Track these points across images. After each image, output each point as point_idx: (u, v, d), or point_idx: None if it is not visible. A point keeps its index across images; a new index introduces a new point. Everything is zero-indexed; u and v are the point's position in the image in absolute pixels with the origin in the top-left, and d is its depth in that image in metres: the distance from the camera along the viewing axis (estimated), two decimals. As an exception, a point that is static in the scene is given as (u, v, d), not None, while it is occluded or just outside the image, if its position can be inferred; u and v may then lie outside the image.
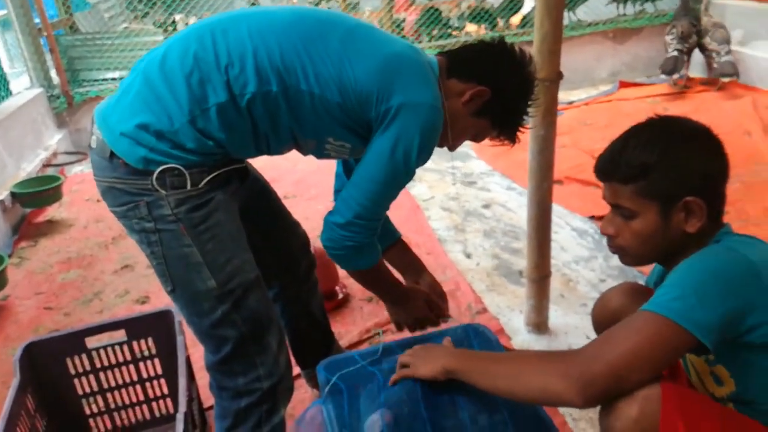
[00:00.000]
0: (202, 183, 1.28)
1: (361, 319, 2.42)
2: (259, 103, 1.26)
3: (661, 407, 1.00)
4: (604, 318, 1.39)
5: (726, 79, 4.76)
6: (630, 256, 1.23)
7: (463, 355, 1.28)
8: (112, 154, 1.26)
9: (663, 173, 1.12)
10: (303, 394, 2.01)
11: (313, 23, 1.32)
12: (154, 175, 1.24)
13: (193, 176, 1.26)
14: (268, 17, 1.32)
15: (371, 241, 1.40)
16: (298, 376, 2.08)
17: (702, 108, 4.53)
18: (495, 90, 1.38)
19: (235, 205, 1.39)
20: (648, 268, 1.43)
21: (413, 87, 1.29)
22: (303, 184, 3.80)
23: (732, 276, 1.03)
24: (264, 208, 1.66)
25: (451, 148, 1.51)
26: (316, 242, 2.17)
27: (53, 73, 4.71)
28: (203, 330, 1.36)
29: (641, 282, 1.48)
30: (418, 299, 1.64)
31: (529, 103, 1.44)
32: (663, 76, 4.99)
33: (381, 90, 1.27)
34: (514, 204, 3.35)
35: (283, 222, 1.73)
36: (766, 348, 1.04)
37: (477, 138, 1.49)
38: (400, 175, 1.32)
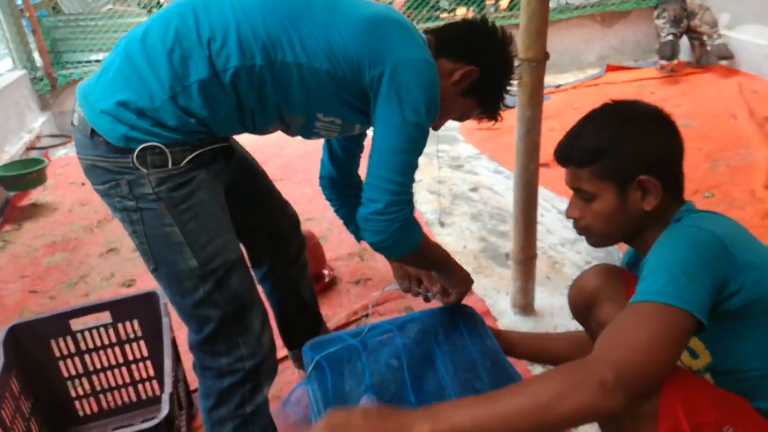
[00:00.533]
0: (184, 162, 1.26)
1: (348, 302, 2.43)
2: (244, 78, 1.24)
3: (660, 388, 1.01)
4: (580, 300, 1.40)
5: (724, 62, 4.77)
6: (594, 237, 1.28)
7: (440, 413, 0.99)
8: (93, 132, 1.25)
9: (615, 155, 1.17)
10: (290, 376, 2.02)
11: None
12: (135, 153, 1.22)
13: (174, 155, 1.25)
14: None
15: (413, 216, 1.34)
16: (285, 357, 2.08)
17: (689, 92, 4.55)
18: (483, 70, 1.38)
19: (218, 184, 1.37)
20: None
21: (404, 45, 1.26)
22: (290, 168, 3.78)
23: (707, 251, 1.05)
24: (252, 187, 1.64)
25: (436, 128, 1.49)
26: (305, 225, 2.18)
27: (36, 55, 4.64)
28: (186, 309, 1.35)
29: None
30: (462, 272, 1.57)
31: (511, 82, 1.45)
32: (653, 60, 5.00)
33: (372, 52, 1.24)
34: (501, 187, 3.35)
35: (273, 201, 1.72)
36: (740, 314, 1.06)
37: (462, 117, 1.49)
38: (416, 135, 1.28)
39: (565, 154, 1.23)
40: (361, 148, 1.67)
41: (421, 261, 1.50)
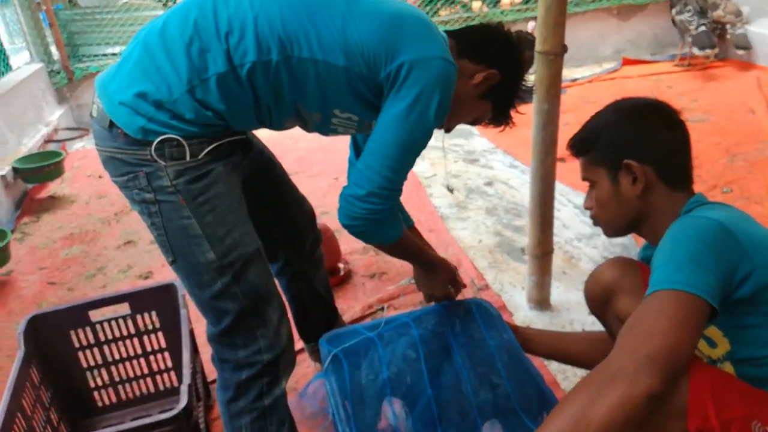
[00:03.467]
0: (202, 154, 1.26)
1: (363, 295, 2.43)
2: (260, 73, 1.24)
3: (689, 384, 1.01)
4: (597, 293, 1.40)
5: (741, 52, 4.71)
6: (601, 225, 1.33)
7: None
8: (112, 124, 1.25)
9: (605, 140, 1.25)
10: (306, 369, 2.03)
11: None
12: (153, 146, 1.23)
13: (192, 147, 1.25)
14: None
15: (393, 213, 1.37)
16: (301, 350, 2.09)
17: (706, 86, 4.50)
18: (504, 75, 1.39)
19: (236, 177, 1.38)
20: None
21: (422, 42, 1.26)
22: (305, 161, 3.78)
23: (713, 239, 1.06)
24: (269, 181, 1.65)
25: (448, 130, 1.50)
26: (320, 218, 2.17)
27: (53, 48, 4.67)
28: (204, 302, 1.36)
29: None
30: (443, 274, 1.62)
31: (523, 88, 1.47)
32: (671, 54, 4.94)
33: (389, 47, 1.24)
34: (517, 182, 3.34)
35: (290, 196, 1.72)
36: (753, 300, 1.07)
37: (476, 121, 1.49)
38: (418, 135, 1.28)
39: (571, 146, 1.32)
40: None
41: (394, 255, 1.55)
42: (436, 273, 1.60)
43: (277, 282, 1.83)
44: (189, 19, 1.24)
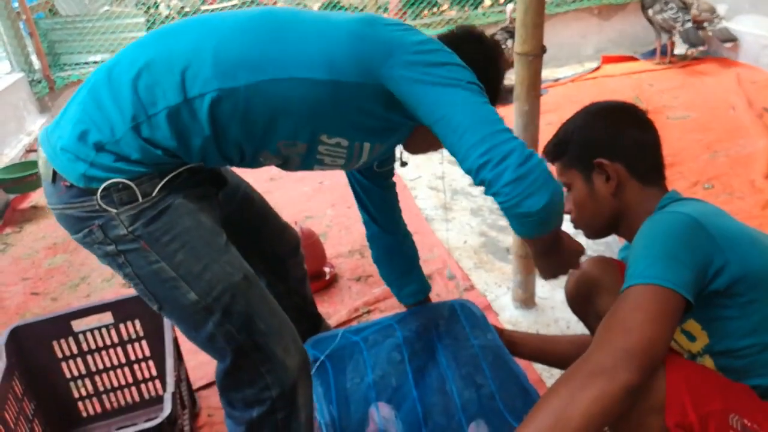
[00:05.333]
0: (155, 191, 1.15)
1: (349, 299, 2.43)
2: (226, 103, 1.13)
3: (666, 380, 1.02)
4: (577, 293, 1.41)
5: (728, 45, 4.76)
6: (582, 227, 1.35)
7: None
8: (55, 175, 1.15)
9: (575, 142, 1.28)
10: (292, 374, 2.02)
11: (281, 12, 1.23)
12: (98, 194, 1.12)
13: (142, 187, 1.14)
14: (230, 16, 1.21)
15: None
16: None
17: (687, 83, 4.54)
18: (484, 82, 1.26)
19: (203, 204, 1.25)
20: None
21: (406, 33, 1.19)
22: (289, 165, 3.77)
23: (686, 233, 1.08)
24: (247, 218, 1.57)
25: (435, 149, 1.43)
26: (304, 223, 2.17)
27: (34, 58, 4.63)
28: (202, 343, 1.25)
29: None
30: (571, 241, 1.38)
31: (503, 91, 1.42)
32: (651, 51, 4.98)
33: (377, 47, 1.15)
34: (501, 182, 3.34)
35: (270, 229, 1.65)
36: (729, 292, 1.08)
37: None
38: (475, 88, 1.15)
39: (545, 152, 1.35)
40: (394, 196, 1.66)
41: (555, 224, 1.19)
42: (561, 254, 1.33)
43: None
44: (140, 56, 1.16)
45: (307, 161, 1.29)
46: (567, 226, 1.30)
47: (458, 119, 1.10)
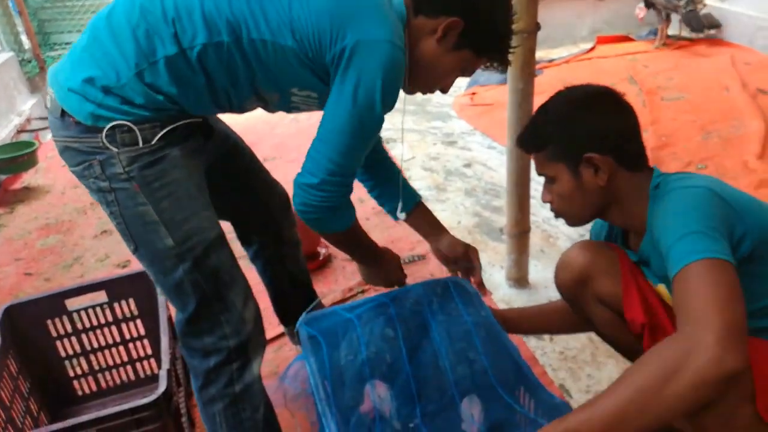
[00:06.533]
0: (155, 139, 1.23)
1: (343, 279, 2.44)
2: (212, 55, 1.21)
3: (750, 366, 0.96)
4: (570, 279, 1.40)
5: (713, 31, 4.76)
6: (567, 218, 1.33)
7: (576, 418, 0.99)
8: (63, 112, 1.23)
9: (562, 137, 1.24)
10: (287, 353, 2.03)
11: None
12: (104, 132, 1.21)
13: (144, 132, 1.22)
14: None
15: (347, 200, 1.34)
16: (282, 334, 2.09)
17: (681, 64, 4.54)
18: (467, 18, 1.27)
19: (195, 162, 1.34)
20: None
21: (369, 24, 1.19)
22: (282, 147, 3.77)
23: (711, 205, 1.07)
24: (236, 168, 1.62)
25: (444, 90, 1.41)
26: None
27: (24, 37, 4.59)
28: (168, 288, 1.34)
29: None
30: (393, 261, 1.62)
31: (509, 19, 1.33)
32: (646, 32, 4.97)
33: (334, 28, 1.18)
34: (495, 162, 3.35)
35: (259, 182, 1.70)
36: (753, 256, 1.09)
37: (466, 72, 1.38)
38: (367, 122, 1.24)
39: (522, 142, 1.32)
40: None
41: (343, 247, 1.51)
42: (383, 264, 1.58)
43: (253, 266, 1.83)
44: (135, 4, 1.22)
45: (284, 107, 1.39)
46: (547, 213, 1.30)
47: (332, 128, 1.25)
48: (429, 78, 1.36)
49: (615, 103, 1.26)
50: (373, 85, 1.19)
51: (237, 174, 1.62)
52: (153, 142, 1.24)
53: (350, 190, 1.32)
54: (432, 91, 1.42)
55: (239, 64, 1.23)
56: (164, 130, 1.24)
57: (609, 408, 0.95)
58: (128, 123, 1.21)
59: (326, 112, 1.26)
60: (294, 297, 1.89)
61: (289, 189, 1.82)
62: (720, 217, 1.06)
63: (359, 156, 1.30)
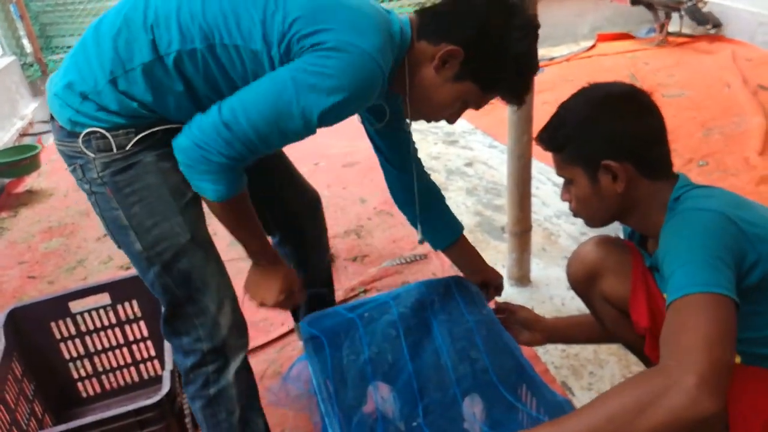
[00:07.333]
0: (129, 145, 1.25)
1: (345, 279, 2.44)
2: (187, 62, 1.20)
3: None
4: (581, 273, 1.39)
5: (713, 31, 4.76)
6: (585, 219, 1.29)
7: None
8: (52, 116, 1.29)
9: (580, 140, 1.18)
10: (291, 352, 2.04)
11: None
12: (80, 138, 1.23)
13: (118, 139, 1.24)
14: None
15: (229, 171, 1.22)
16: (285, 334, 2.11)
17: (682, 61, 4.54)
18: (469, 47, 1.20)
19: (173, 165, 1.27)
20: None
21: (352, 28, 1.13)
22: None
23: (720, 232, 1.03)
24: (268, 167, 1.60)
25: (449, 121, 1.34)
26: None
27: (25, 41, 4.61)
28: (149, 286, 1.37)
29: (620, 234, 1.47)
30: (291, 278, 1.45)
31: (528, 56, 1.24)
32: (646, 30, 4.96)
33: (308, 23, 1.13)
34: (496, 161, 3.35)
35: (278, 178, 1.70)
36: (761, 286, 1.05)
37: (473, 105, 1.31)
38: (297, 120, 1.15)
39: (541, 140, 1.25)
40: (406, 140, 1.55)
41: (228, 223, 1.33)
42: (272, 277, 1.43)
43: (279, 251, 1.72)
44: (120, 13, 1.23)
45: None
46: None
47: (263, 95, 1.17)
48: (425, 107, 1.31)
49: (638, 106, 1.18)
50: (333, 91, 1.13)
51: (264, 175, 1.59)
52: (127, 148, 1.25)
53: (240, 163, 1.22)
54: (434, 120, 1.36)
55: (215, 71, 1.21)
56: (138, 136, 1.25)
57: (576, 430, 0.93)
58: (101, 130, 1.23)
59: (268, 77, 1.17)
60: (309, 297, 1.85)
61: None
62: (728, 245, 1.02)
63: (262, 143, 1.20)
